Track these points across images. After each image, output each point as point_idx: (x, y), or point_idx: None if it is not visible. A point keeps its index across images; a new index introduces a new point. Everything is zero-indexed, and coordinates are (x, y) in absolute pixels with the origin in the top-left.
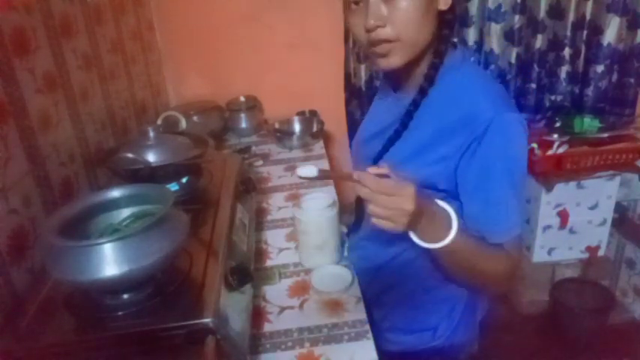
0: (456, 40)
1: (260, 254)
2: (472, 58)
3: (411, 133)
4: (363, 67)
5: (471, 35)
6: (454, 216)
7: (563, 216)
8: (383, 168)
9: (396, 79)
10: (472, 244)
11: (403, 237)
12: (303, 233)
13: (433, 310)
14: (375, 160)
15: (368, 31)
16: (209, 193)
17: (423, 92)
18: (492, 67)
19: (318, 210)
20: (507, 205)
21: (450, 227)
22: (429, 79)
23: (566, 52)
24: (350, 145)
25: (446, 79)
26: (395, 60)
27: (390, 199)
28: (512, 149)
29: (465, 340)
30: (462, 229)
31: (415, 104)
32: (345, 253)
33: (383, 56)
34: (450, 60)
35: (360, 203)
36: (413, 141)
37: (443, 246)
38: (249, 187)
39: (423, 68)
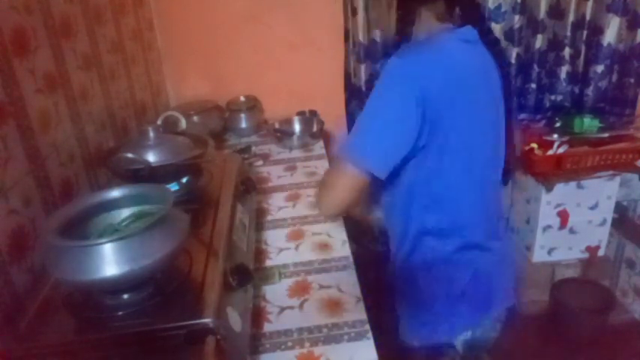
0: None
1: (260, 254)
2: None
3: None
4: (363, 67)
5: None
6: None
7: (563, 216)
8: None
9: None
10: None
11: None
12: None
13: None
14: None
15: None
16: (209, 193)
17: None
18: None
19: None
20: (359, 131)
21: None
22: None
23: (566, 52)
24: None
25: None
26: None
27: None
28: (378, 82)
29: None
30: None
31: None
32: None
33: None
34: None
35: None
36: None
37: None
38: (249, 187)
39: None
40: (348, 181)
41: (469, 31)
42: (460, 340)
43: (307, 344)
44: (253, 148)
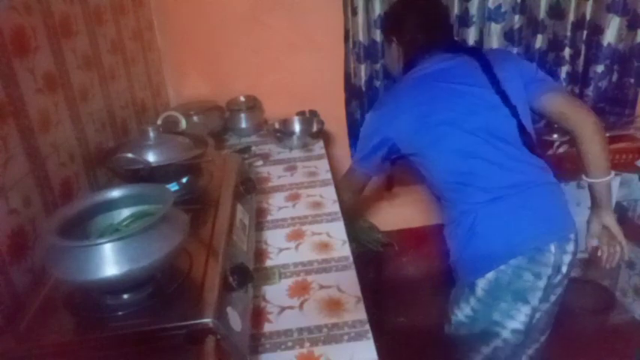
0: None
1: (260, 254)
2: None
3: None
4: (363, 67)
5: (471, 35)
6: None
7: None
8: None
9: None
10: None
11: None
12: None
13: None
14: None
15: None
16: (209, 193)
17: None
18: None
19: None
20: (359, 138)
21: None
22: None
23: (566, 52)
24: (351, 145)
25: None
26: None
27: None
28: (365, 123)
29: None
30: None
31: None
32: None
33: None
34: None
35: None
36: None
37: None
38: (249, 188)
39: None
40: (353, 175)
41: (443, 56)
42: (483, 281)
43: (307, 344)
44: (253, 148)
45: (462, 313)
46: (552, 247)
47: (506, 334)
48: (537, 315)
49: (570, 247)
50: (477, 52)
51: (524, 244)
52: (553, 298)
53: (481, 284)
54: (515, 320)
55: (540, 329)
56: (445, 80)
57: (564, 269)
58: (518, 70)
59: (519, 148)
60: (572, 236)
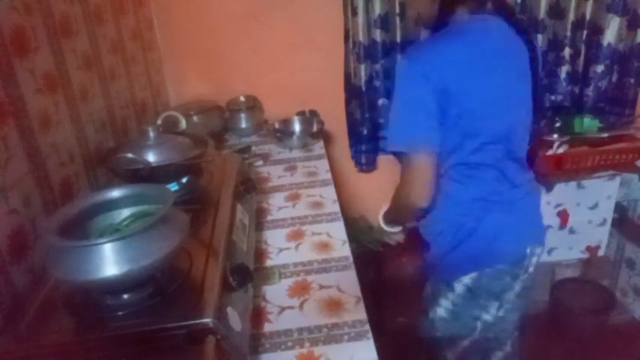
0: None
1: (260, 254)
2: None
3: None
4: (363, 67)
5: None
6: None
7: (563, 216)
8: None
9: None
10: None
11: None
12: None
13: None
14: None
15: None
16: (209, 193)
17: None
18: None
19: None
20: (390, 124)
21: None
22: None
23: (566, 52)
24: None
25: None
26: None
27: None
28: (397, 82)
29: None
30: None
31: None
32: None
33: None
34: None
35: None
36: None
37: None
38: (249, 188)
39: None
40: (416, 168)
41: (492, 17)
42: (465, 279)
43: (307, 344)
44: (253, 148)
45: (442, 309)
46: (528, 251)
47: (480, 326)
48: (506, 306)
49: (539, 250)
50: (527, 39)
51: (515, 251)
52: (520, 292)
53: (463, 282)
54: (488, 314)
55: (512, 321)
56: (506, 59)
57: (531, 269)
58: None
59: (523, 153)
60: (544, 240)
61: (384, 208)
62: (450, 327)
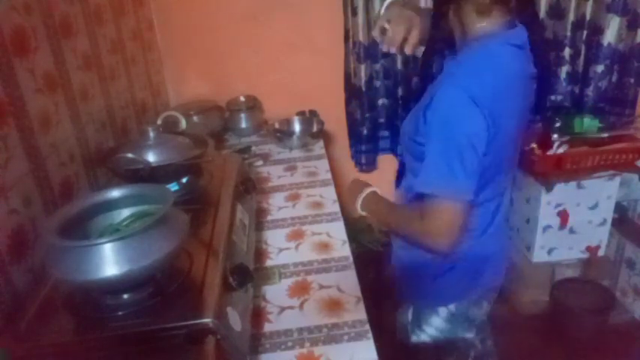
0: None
1: (260, 254)
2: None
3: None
4: (363, 67)
5: None
6: (367, 189)
7: (563, 216)
8: None
9: None
10: (384, 206)
11: None
12: None
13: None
14: None
15: None
16: (209, 193)
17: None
18: None
19: None
20: (429, 162)
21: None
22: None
23: (566, 52)
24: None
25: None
26: None
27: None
28: (438, 113)
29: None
30: (377, 197)
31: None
32: None
33: None
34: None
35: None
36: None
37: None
38: (249, 187)
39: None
40: (448, 213)
41: (520, 35)
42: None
43: (307, 344)
44: (253, 148)
45: (426, 334)
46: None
47: (462, 343)
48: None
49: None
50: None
51: (499, 276)
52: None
53: (448, 308)
54: (469, 332)
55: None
56: (522, 94)
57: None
58: None
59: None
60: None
61: (367, 192)
62: (434, 346)
